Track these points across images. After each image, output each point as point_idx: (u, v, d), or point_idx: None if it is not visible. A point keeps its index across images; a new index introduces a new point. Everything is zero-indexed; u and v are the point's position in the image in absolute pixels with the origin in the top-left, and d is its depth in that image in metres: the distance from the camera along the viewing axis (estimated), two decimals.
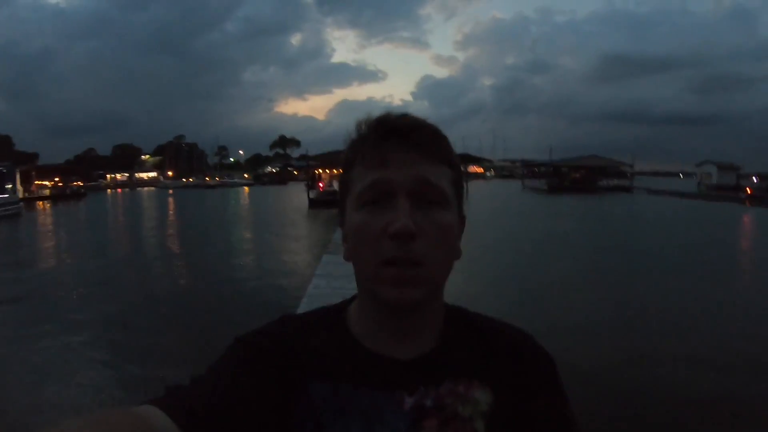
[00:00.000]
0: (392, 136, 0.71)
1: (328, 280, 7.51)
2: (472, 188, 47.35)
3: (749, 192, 50.88)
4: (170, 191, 75.92)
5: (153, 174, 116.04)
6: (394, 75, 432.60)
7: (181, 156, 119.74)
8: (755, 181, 59.71)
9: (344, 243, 0.76)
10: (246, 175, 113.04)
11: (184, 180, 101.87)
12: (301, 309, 6.17)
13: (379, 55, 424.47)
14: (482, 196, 48.00)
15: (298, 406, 0.70)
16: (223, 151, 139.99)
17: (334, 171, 42.33)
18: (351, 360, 0.73)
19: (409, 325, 0.74)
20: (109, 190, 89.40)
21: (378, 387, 0.71)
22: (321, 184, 38.98)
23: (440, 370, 0.73)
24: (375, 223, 0.68)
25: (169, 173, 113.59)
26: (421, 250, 0.67)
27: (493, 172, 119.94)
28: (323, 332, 0.76)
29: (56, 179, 70.88)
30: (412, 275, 0.68)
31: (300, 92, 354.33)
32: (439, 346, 0.75)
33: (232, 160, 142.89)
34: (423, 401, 0.71)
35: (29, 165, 68.70)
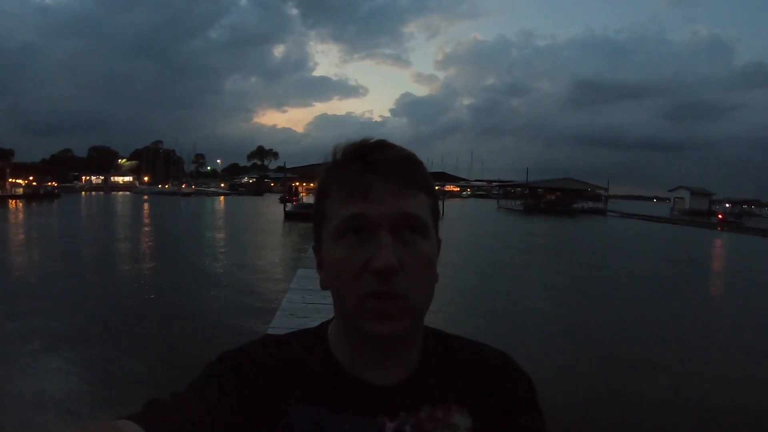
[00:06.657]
0: (373, 169, 0.69)
1: (302, 295, 7.47)
2: (448, 207, 47.60)
3: (721, 217, 52.41)
4: (145, 197, 74.86)
5: (128, 178, 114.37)
6: (374, 91, 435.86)
7: (157, 162, 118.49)
8: (727, 206, 61.56)
9: (319, 271, 0.76)
10: (222, 185, 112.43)
11: (159, 186, 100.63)
12: (275, 322, 6.17)
13: (360, 70, 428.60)
14: (458, 215, 48.19)
15: (277, 428, 0.70)
16: (200, 159, 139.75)
17: (311, 185, 42.80)
18: (332, 384, 0.73)
19: (391, 352, 0.74)
20: (83, 193, 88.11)
21: (358, 412, 0.71)
22: (295, 199, 39.72)
23: (420, 395, 0.73)
24: (356, 257, 0.68)
25: (145, 178, 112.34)
26: (405, 283, 0.67)
27: (469, 191, 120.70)
28: (306, 355, 0.75)
29: (30, 178, 69.75)
30: (397, 309, 0.67)
31: (280, 104, 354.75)
32: (418, 370, 0.75)
33: (209, 168, 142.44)
34: (402, 427, 0.70)
35: (4, 162, 67.14)
